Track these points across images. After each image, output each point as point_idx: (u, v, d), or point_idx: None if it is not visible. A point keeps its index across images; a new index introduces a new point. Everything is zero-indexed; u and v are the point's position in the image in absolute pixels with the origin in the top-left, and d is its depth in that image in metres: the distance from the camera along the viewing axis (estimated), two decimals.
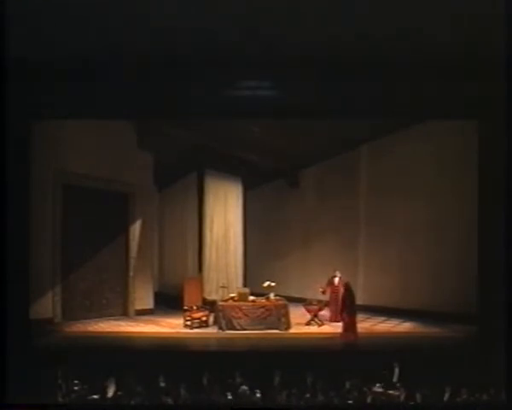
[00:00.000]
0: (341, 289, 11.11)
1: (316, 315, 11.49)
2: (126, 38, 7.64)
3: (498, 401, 6.44)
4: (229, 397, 6.42)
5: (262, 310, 10.93)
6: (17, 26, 7.29)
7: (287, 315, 10.96)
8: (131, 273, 12.79)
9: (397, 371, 7.34)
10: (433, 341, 10.07)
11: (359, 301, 11.13)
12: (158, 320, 12.04)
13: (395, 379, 7.26)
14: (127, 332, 10.91)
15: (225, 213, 14.53)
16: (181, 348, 9.69)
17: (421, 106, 8.76)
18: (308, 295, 12.56)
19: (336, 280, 11.78)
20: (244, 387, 6.54)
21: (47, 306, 10.85)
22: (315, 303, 11.66)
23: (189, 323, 11.06)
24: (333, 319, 11.49)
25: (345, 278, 11.32)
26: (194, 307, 11.29)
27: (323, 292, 11.71)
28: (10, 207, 7.95)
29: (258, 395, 6.45)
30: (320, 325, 11.34)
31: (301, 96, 8.68)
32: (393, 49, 7.94)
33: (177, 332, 10.88)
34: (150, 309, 13.04)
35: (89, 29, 7.52)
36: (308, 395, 6.53)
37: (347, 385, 6.82)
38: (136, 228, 12.90)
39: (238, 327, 10.76)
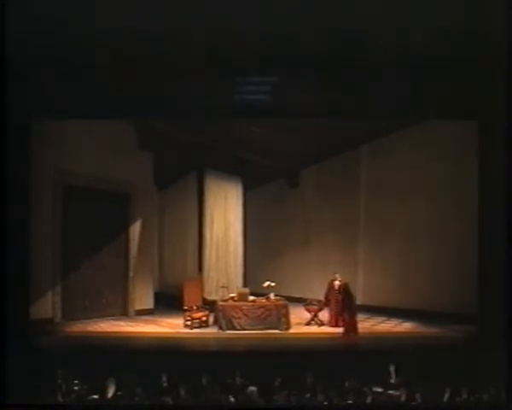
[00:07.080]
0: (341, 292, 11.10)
1: (316, 315, 11.50)
2: (126, 38, 7.66)
3: (498, 401, 6.43)
4: (235, 398, 6.40)
5: (262, 310, 10.91)
6: (17, 26, 7.31)
7: (287, 315, 10.94)
8: (131, 273, 12.76)
9: (392, 371, 7.34)
10: (433, 341, 10.06)
11: (359, 301, 11.13)
12: (158, 320, 12.02)
13: (393, 380, 7.25)
14: (127, 332, 10.89)
15: (225, 213, 14.52)
16: (181, 348, 9.68)
17: (421, 106, 8.76)
18: (308, 295, 12.57)
19: (336, 284, 11.34)
20: (252, 388, 6.50)
21: (47, 306, 10.83)
22: (315, 303, 11.64)
23: (189, 323, 11.05)
24: (332, 324, 11.20)
25: (344, 278, 11.26)
26: (194, 307, 11.28)
27: (326, 299, 11.48)
28: (10, 207, 7.96)
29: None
30: (320, 325, 11.35)
31: (301, 96, 8.68)
32: (393, 49, 7.96)
33: (177, 332, 10.87)
34: (150, 309, 13.02)
35: (89, 29, 7.54)
36: (308, 395, 6.53)
37: (347, 385, 6.81)
38: (136, 228, 12.88)
39: (238, 327, 10.75)
